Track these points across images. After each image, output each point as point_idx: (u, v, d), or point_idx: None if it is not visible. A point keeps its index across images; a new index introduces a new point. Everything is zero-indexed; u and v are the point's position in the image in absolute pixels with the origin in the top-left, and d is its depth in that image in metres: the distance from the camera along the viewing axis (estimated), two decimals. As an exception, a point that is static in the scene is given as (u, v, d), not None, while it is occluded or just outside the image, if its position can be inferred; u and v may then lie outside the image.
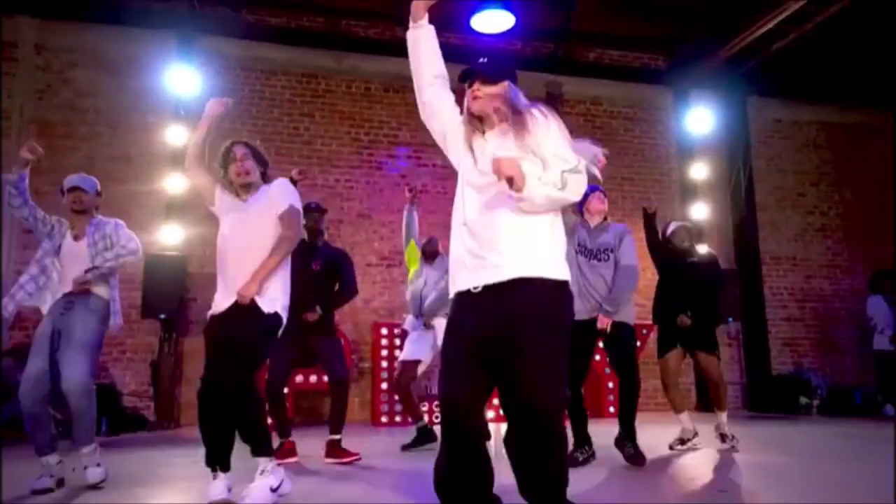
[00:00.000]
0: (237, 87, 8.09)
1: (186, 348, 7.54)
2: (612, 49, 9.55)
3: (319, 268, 4.82)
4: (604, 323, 4.27)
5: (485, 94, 2.32)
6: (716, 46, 8.64)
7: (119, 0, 7.68)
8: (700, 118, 9.20)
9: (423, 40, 2.52)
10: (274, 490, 3.09)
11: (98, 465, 3.64)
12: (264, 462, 3.13)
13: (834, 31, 8.02)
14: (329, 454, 4.55)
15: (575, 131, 8.26)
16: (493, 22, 7.84)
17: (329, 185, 8.19)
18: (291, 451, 4.60)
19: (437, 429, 4.59)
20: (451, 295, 2.29)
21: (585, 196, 4.28)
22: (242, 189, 3.44)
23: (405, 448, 5.07)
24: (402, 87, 8.72)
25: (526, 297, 2.11)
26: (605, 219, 4.62)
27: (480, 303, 2.15)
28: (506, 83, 2.38)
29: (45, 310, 3.76)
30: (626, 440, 4.34)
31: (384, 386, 7.37)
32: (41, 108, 7.60)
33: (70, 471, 3.69)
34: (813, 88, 9.49)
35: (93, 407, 3.58)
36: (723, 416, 5.18)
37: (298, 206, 3.43)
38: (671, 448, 5.03)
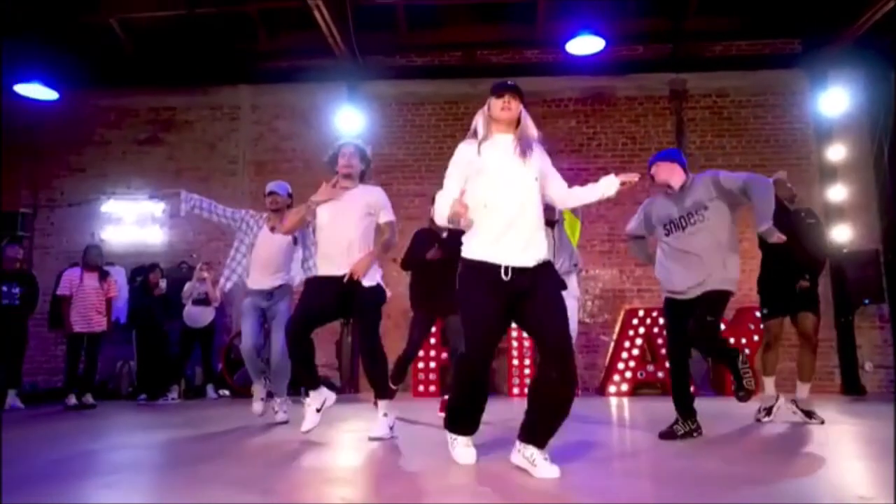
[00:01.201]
0: (393, 118, 9.98)
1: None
2: (739, 40, 9.75)
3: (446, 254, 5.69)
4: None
5: (514, 106, 3.19)
6: (847, 25, 8.52)
7: (303, 62, 9.94)
8: (837, 98, 9.04)
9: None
10: (391, 427, 4.20)
11: (285, 411, 5.25)
12: (384, 405, 4.19)
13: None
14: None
15: (701, 124, 9.32)
16: (586, 45, 8.66)
17: (469, 194, 9.68)
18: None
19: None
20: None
21: (648, 167, 4.51)
22: (345, 179, 4.28)
23: None
24: (531, 102, 9.68)
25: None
26: (684, 182, 4.30)
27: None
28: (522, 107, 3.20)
29: (248, 283, 5.22)
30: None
31: (515, 362, 8.65)
32: (256, 152, 10.16)
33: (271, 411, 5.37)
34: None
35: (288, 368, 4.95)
36: (805, 389, 5.08)
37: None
38: (758, 420, 5.11)
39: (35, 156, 10.13)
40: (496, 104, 3.19)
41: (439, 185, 10.43)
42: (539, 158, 3.28)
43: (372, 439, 4.13)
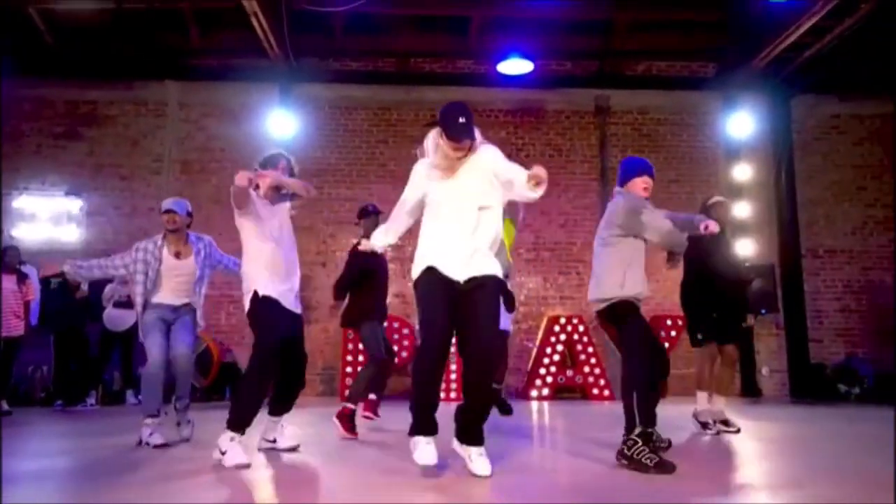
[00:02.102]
0: (325, 122, 9.99)
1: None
2: (659, 60, 10.33)
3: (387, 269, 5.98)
4: None
5: (465, 148, 3.30)
6: (754, 53, 9.20)
7: (235, 61, 9.79)
8: (744, 121, 9.75)
9: (392, 240, 3.79)
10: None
11: (188, 420, 4.86)
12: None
13: (863, 33, 8.36)
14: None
15: (623, 139, 9.76)
16: (516, 67, 9.02)
17: (401, 200, 9.82)
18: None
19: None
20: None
21: (629, 174, 4.08)
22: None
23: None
24: (462, 112, 10.16)
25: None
26: None
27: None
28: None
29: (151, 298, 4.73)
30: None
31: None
32: (183, 150, 9.93)
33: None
34: (855, 85, 9.71)
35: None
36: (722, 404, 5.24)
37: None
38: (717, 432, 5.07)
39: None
40: (446, 145, 3.28)
41: (370, 190, 10.64)
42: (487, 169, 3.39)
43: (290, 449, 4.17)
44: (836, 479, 3.28)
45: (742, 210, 9.82)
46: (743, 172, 9.93)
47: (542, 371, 9.07)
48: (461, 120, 3.21)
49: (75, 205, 9.61)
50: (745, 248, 9.70)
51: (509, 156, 10.14)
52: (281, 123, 9.54)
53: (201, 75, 9.89)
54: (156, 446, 4.38)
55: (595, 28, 9.90)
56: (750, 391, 9.44)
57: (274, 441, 4.17)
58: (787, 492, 3.09)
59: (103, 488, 3.18)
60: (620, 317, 3.78)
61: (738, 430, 5.09)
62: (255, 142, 9.70)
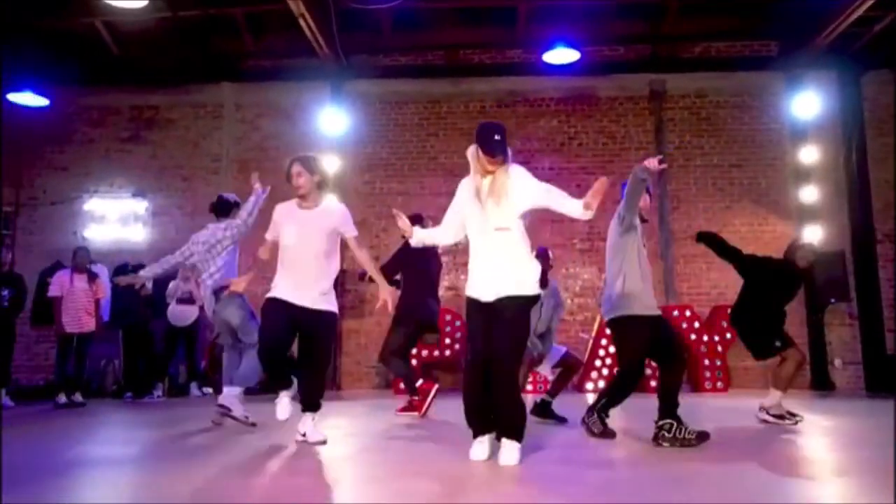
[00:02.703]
0: (376, 117, 10.07)
1: (345, 329, 9.68)
2: (717, 41, 9.92)
3: (439, 266, 6.35)
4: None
5: (501, 161, 3.60)
6: (819, 29, 8.71)
7: (287, 62, 9.98)
8: (810, 101, 9.26)
9: (427, 241, 4.06)
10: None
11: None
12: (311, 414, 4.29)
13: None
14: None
15: (680, 124, 9.50)
16: (562, 56, 8.82)
17: (452, 192, 9.60)
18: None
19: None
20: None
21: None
22: (301, 199, 4.29)
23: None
24: (513, 101, 10.07)
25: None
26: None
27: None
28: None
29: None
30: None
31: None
32: (240, 150, 10.21)
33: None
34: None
35: None
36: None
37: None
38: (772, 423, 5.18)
39: (17, 154, 10.06)
40: (483, 159, 3.62)
41: (422, 183, 10.78)
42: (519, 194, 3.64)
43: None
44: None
45: (809, 194, 9.34)
46: (810, 155, 9.43)
47: (598, 363, 8.90)
48: (496, 137, 3.59)
49: (141, 206, 10.03)
50: (814, 234, 9.22)
51: (561, 145, 10.07)
52: (332, 120, 9.67)
53: (255, 77, 10.14)
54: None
55: (646, 11, 9.60)
56: (822, 384, 8.97)
57: (304, 435, 4.25)
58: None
59: (167, 473, 3.32)
60: None
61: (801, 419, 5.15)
62: (308, 139, 9.91)
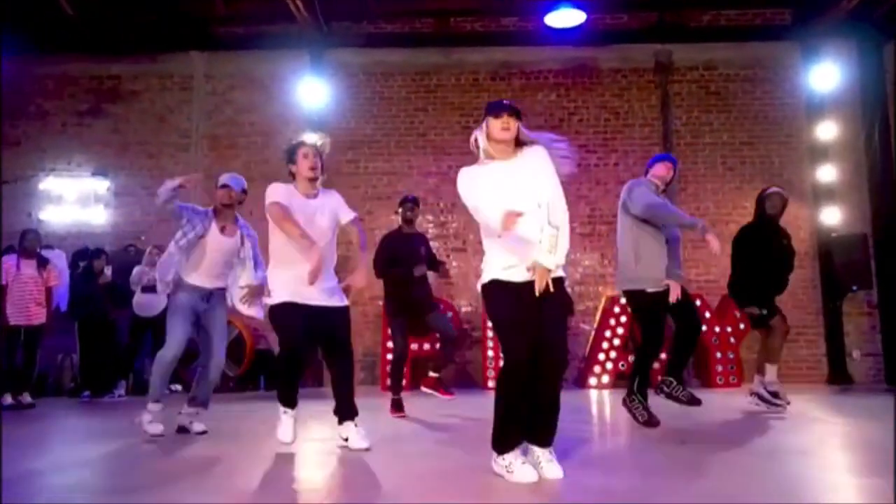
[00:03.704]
0: (360, 90, 9.28)
1: (327, 318, 8.94)
2: (727, 9, 9.22)
3: (426, 252, 5.68)
4: (676, 293, 4.34)
5: (512, 126, 3.05)
6: (839, -5, 8.07)
7: (262, 28, 9.14)
8: (828, 73, 8.60)
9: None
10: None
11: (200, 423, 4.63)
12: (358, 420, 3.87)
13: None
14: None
15: (687, 99, 8.66)
16: (566, 18, 8.07)
17: (442, 172, 9.03)
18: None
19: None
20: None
21: (654, 162, 4.72)
22: (310, 183, 3.89)
23: None
24: (508, 74, 9.32)
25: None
26: (665, 188, 4.67)
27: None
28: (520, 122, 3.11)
29: (185, 278, 4.55)
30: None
31: (490, 353, 8.16)
32: (211, 125, 9.37)
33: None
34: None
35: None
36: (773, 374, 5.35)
37: None
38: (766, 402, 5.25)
39: (-36, 128, 9.19)
40: (495, 125, 3.08)
41: (409, 162, 9.84)
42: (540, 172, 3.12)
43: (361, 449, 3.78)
44: None
45: (827, 174, 8.71)
46: (828, 131, 8.77)
47: (602, 357, 8.23)
48: (506, 102, 3.15)
49: (102, 185, 9.18)
50: (832, 217, 8.60)
51: (560, 121, 9.31)
52: (312, 92, 8.88)
53: (228, 45, 9.29)
54: (153, 435, 4.33)
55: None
56: (839, 377, 8.38)
57: (346, 440, 3.84)
58: None
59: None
60: None
61: (789, 403, 5.25)
62: (286, 113, 9.12)
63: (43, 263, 7.05)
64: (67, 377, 8.30)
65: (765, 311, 5.29)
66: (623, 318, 8.22)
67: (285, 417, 3.88)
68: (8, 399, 6.64)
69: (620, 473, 3.13)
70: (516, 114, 3.09)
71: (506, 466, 2.90)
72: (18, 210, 9.07)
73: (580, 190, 9.03)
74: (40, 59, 9.25)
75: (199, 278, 4.60)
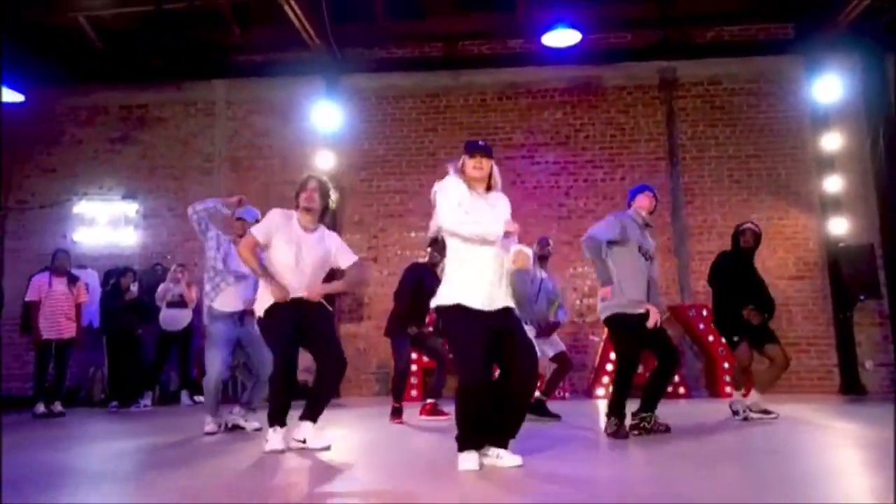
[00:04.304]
0: (372, 113, 9.65)
1: (342, 333, 9.21)
2: (731, 24, 9.38)
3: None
4: (655, 318, 4.49)
5: (485, 166, 3.44)
6: (839, 8, 8.17)
7: (278, 56, 9.59)
8: (832, 85, 8.68)
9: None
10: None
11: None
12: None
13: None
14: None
15: (692, 114, 8.88)
16: (563, 38, 8.32)
17: (452, 190, 9.31)
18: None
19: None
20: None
21: (634, 193, 4.90)
22: (306, 213, 4.18)
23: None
24: (515, 94, 9.61)
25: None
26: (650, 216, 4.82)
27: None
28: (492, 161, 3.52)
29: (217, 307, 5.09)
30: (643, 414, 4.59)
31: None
32: (231, 148, 9.84)
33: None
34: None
35: None
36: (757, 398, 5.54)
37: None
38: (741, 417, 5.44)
39: (5, 156, 9.79)
40: (469, 163, 3.44)
41: (420, 181, 10.21)
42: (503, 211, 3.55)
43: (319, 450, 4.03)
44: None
45: (833, 184, 8.76)
46: (833, 142, 8.84)
47: (610, 367, 8.34)
48: (480, 143, 3.52)
49: (132, 208, 9.70)
50: (839, 227, 8.63)
51: (567, 138, 9.56)
52: (327, 116, 9.27)
53: (247, 72, 9.75)
54: (207, 432, 4.99)
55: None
56: (852, 388, 8.34)
57: (303, 441, 4.06)
58: None
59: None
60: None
61: (777, 416, 5.44)
62: (302, 136, 9.54)
63: (73, 281, 7.52)
64: (98, 389, 8.73)
65: (735, 338, 5.62)
66: (629, 330, 8.34)
67: (276, 430, 4.00)
68: (41, 408, 7.08)
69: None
70: (489, 155, 3.47)
71: (460, 459, 3.28)
72: (54, 232, 9.65)
73: (587, 205, 9.23)
74: (73, 90, 9.85)
75: (229, 303, 5.06)
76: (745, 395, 5.59)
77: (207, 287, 5.15)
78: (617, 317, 4.56)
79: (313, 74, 9.50)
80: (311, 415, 4.07)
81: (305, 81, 9.55)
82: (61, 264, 7.44)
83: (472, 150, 3.44)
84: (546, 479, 3.14)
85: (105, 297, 8.38)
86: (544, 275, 6.01)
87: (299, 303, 4.03)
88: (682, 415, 6.11)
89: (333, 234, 4.39)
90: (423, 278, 5.86)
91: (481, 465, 3.27)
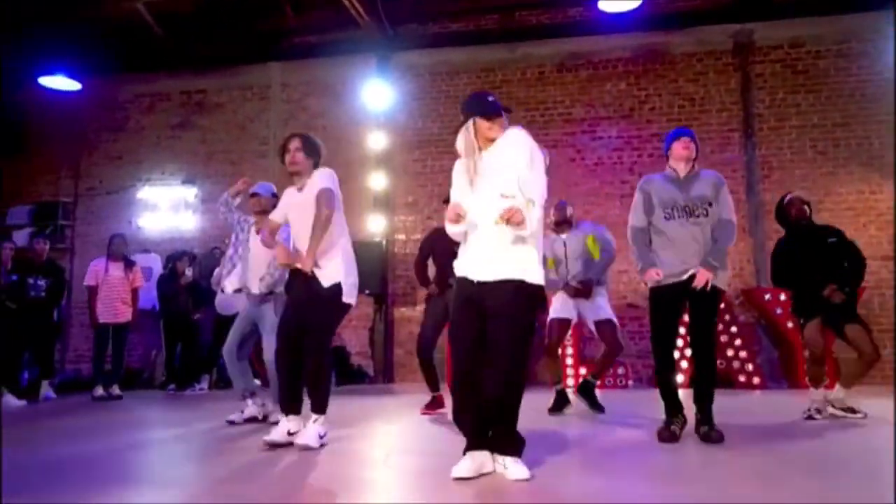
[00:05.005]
0: (426, 90, 9.36)
1: (396, 317, 9.09)
2: (817, -22, 8.48)
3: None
4: (703, 279, 3.81)
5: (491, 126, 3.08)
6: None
7: (331, 36, 9.42)
8: (936, 41, 7.71)
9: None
10: (321, 436, 3.80)
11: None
12: (316, 416, 3.80)
13: None
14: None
15: (771, 80, 8.18)
16: (621, 3, 7.71)
17: (508, 168, 8.92)
18: (439, 403, 5.48)
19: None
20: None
21: (669, 141, 4.16)
22: (294, 177, 3.98)
23: (552, 412, 5.24)
24: (575, 65, 9.07)
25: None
26: (693, 166, 4.06)
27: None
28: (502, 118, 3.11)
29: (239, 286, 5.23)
30: (704, 423, 3.87)
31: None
32: (287, 131, 9.64)
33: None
34: None
35: None
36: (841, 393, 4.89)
37: (333, 187, 3.87)
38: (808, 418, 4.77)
39: (76, 145, 10.14)
40: (482, 125, 3.10)
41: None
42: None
43: (300, 447, 3.72)
44: None
45: (936, 154, 7.80)
46: (936, 106, 7.87)
47: (676, 355, 7.74)
48: (489, 98, 3.17)
49: (191, 192, 9.83)
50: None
51: (631, 110, 8.95)
52: (379, 95, 9.06)
53: (301, 54, 9.63)
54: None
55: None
56: None
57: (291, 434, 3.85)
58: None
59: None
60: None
61: (865, 416, 4.73)
62: (356, 115, 9.38)
63: (130, 266, 7.65)
64: (159, 372, 8.93)
65: (801, 320, 4.98)
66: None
67: (280, 424, 3.82)
68: (99, 391, 7.25)
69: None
70: (498, 113, 3.10)
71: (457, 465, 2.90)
72: (121, 218, 9.91)
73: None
74: (136, 77, 10.04)
75: (251, 284, 4.99)
76: (828, 388, 4.93)
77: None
78: (651, 292, 4.02)
79: (366, 53, 9.29)
80: (312, 407, 3.83)
81: (359, 60, 9.34)
82: (118, 249, 7.59)
83: (486, 111, 3.11)
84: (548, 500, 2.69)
85: (161, 280, 8.51)
86: (564, 236, 5.48)
87: (300, 283, 3.90)
88: (752, 410, 5.58)
89: (323, 171, 3.97)
90: (434, 243, 5.47)
91: (480, 473, 2.86)
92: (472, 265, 3.01)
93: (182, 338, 8.27)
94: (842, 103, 8.33)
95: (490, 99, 3.15)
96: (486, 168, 3.04)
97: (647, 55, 8.87)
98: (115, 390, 7.35)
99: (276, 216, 4.07)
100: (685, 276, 3.88)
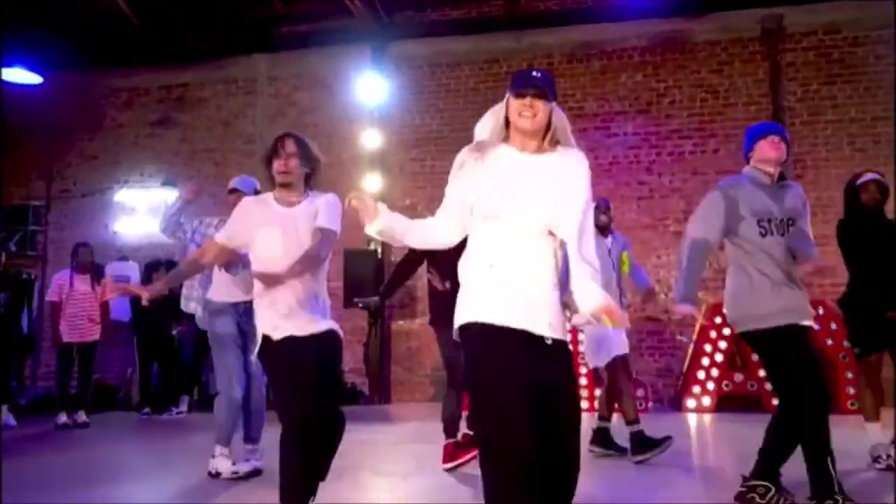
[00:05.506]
0: (424, 83, 8.65)
1: (393, 331, 8.40)
2: (854, -42, 7.74)
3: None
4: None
5: (541, 111, 2.13)
6: None
7: (322, 24, 8.70)
8: None
9: (408, 236, 2.52)
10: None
11: (258, 458, 4.14)
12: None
13: None
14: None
15: (803, 70, 7.24)
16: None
17: (514, 168, 8.21)
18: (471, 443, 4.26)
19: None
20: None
21: (752, 139, 3.34)
22: (283, 189, 3.06)
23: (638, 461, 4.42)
24: (587, 55, 8.36)
25: None
26: (782, 174, 3.34)
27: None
28: (554, 105, 2.17)
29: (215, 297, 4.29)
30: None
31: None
32: (275, 128, 8.96)
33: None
34: None
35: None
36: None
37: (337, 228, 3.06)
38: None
39: (48, 144, 9.44)
40: (514, 106, 2.16)
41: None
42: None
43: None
44: None
45: None
46: None
47: (702, 375, 7.10)
48: (535, 73, 2.18)
49: (171, 195, 9.05)
50: None
51: (649, 104, 8.15)
52: (372, 88, 8.35)
53: (290, 44, 8.94)
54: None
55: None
56: None
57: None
58: None
59: None
60: None
61: None
62: (349, 111, 8.67)
63: (98, 277, 6.94)
64: (135, 391, 8.22)
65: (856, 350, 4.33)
66: (726, 331, 7.02)
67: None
68: (63, 418, 6.54)
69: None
70: (544, 94, 2.12)
71: None
72: (96, 222, 9.23)
73: (673, 182, 7.93)
74: (112, 71, 9.34)
75: (232, 293, 4.18)
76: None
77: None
78: (754, 335, 3.18)
79: (359, 43, 8.56)
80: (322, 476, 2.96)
81: (352, 51, 8.63)
82: (84, 259, 6.86)
83: (521, 82, 2.14)
84: None
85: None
86: (608, 241, 4.75)
87: (291, 344, 2.92)
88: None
89: (328, 195, 3.09)
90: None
91: None
92: (517, 312, 2.06)
93: (158, 355, 7.57)
94: (882, 95, 7.58)
95: (535, 74, 2.18)
96: (529, 179, 2.13)
97: (666, 43, 8.14)
98: (81, 417, 6.63)
99: (230, 238, 3.05)
100: (805, 322, 3.15)
